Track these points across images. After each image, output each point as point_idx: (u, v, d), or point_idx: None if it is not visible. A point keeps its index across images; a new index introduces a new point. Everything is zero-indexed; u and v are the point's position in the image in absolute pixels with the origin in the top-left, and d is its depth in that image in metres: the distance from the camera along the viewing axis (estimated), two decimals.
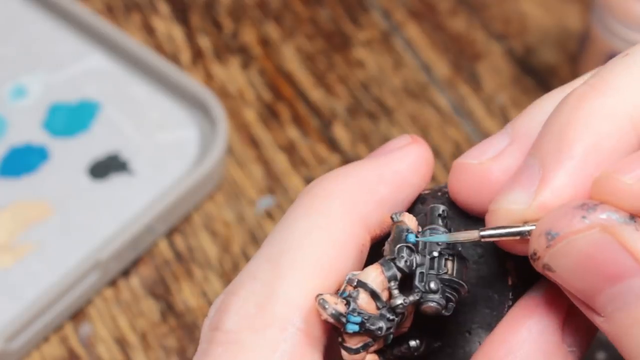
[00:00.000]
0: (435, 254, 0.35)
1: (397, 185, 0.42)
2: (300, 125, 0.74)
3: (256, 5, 0.79)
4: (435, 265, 0.35)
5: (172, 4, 0.79)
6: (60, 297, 0.64)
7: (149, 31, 0.77)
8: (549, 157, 0.39)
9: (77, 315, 0.66)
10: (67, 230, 0.67)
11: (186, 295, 0.67)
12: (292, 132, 0.73)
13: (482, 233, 0.38)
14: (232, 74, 0.76)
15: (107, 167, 0.70)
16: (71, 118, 0.72)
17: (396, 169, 0.42)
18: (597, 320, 0.37)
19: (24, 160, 0.70)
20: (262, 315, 0.38)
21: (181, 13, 0.78)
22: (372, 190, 0.41)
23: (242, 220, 0.70)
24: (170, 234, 0.69)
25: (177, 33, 0.77)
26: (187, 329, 0.66)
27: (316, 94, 0.75)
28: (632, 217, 0.37)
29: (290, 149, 0.73)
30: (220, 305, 0.40)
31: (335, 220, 0.39)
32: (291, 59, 0.77)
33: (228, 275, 0.67)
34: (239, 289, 0.39)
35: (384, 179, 0.42)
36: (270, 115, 0.74)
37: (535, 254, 0.37)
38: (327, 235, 0.39)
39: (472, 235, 0.38)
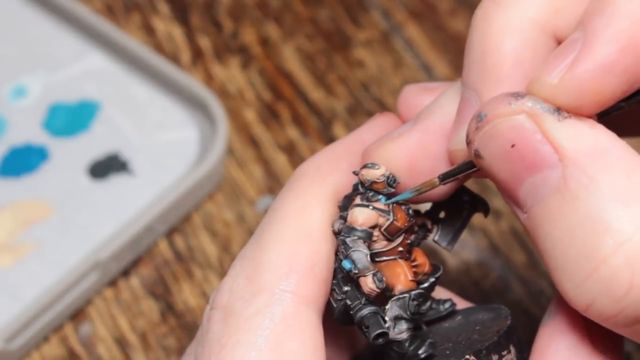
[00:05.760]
0: None
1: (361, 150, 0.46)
2: (300, 125, 0.74)
3: (256, 5, 0.79)
4: None
5: (172, 4, 0.79)
6: (60, 297, 0.64)
7: (149, 31, 0.77)
8: (480, 86, 0.42)
9: (77, 315, 0.66)
10: (67, 230, 0.67)
11: (186, 295, 0.67)
12: (292, 132, 0.73)
13: (441, 176, 0.42)
14: (232, 74, 0.76)
15: (107, 167, 0.70)
16: (71, 118, 0.72)
17: (363, 138, 0.47)
18: (522, 218, 0.39)
19: (24, 160, 0.70)
20: (251, 286, 0.42)
21: (181, 13, 0.78)
22: (340, 159, 0.46)
23: (242, 220, 0.70)
24: (170, 234, 0.69)
25: (177, 33, 0.77)
26: (187, 329, 0.66)
27: (316, 94, 0.75)
28: (558, 109, 0.38)
29: (290, 149, 0.73)
30: (217, 288, 0.43)
31: (306, 193, 0.45)
32: (291, 59, 0.77)
33: None
34: (231, 270, 0.43)
35: (350, 148, 0.46)
36: (270, 115, 0.74)
37: (467, 136, 0.40)
38: (301, 207, 0.44)
39: (432, 182, 0.42)
